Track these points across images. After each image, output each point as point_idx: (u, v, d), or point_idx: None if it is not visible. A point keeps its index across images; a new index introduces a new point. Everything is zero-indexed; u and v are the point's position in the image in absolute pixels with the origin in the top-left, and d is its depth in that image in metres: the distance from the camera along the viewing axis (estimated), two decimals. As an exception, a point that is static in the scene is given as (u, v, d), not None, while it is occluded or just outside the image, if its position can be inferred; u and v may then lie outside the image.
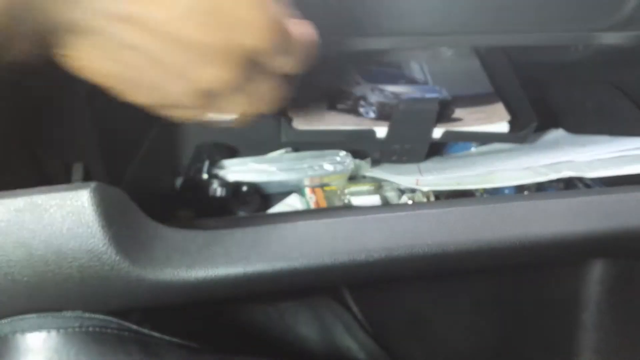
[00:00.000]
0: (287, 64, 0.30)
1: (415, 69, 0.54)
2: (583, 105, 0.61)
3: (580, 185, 0.49)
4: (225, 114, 0.32)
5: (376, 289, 0.71)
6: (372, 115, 0.50)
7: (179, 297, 0.33)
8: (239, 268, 0.32)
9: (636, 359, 0.54)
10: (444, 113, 0.49)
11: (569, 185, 0.50)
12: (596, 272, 0.55)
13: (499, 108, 0.51)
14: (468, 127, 0.49)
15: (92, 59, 0.26)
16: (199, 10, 0.25)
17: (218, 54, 0.26)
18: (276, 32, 0.27)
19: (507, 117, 0.50)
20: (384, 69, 0.54)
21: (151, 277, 0.31)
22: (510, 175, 0.48)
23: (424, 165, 0.54)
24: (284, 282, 0.34)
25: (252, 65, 0.28)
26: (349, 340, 0.68)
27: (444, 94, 0.52)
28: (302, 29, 0.31)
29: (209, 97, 0.28)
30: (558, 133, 0.58)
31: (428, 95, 0.51)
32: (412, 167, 0.53)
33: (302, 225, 0.33)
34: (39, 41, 0.25)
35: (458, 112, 0.51)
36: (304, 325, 0.67)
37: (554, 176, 0.46)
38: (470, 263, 0.38)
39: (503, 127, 0.50)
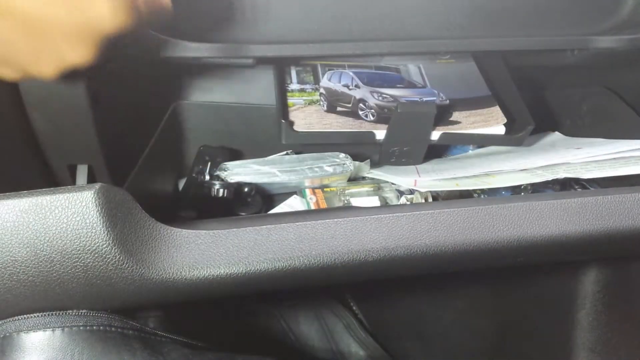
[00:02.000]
0: None
1: (414, 73, 0.55)
2: (579, 108, 0.61)
3: (576, 186, 0.50)
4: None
5: (376, 288, 0.72)
6: (371, 117, 0.50)
7: (182, 296, 0.34)
8: (241, 268, 0.33)
9: (632, 357, 0.54)
10: (441, 116, 0.50)
11: (565, 186, 0.51)
12: (592, 272, 0.55)
13: (496, 111, 0.52)
14: (465, 129, 0.50)
15: None
16: None
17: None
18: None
19: (504, 120, 0.50)
20: (383, 73, 0.54)
21: (154, 277, 0.31)
22: (506, 177, 0.49)
23: (422, 167, 0.54)
24: (285, 281, 0.35)
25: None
26: (349, 339, 0.68)
27: (442, 97, 0.52)
28: None
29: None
30: (554, 136, 0.59)
31: (426, 99, 0.52)
32: (410, 168, 0.54)
33: (302, 226, 0.34)
34: None
35: (456, 115, 0.51)
36: (305, 324, 0.67)
37: (549, 177, 0.47)
38: (467, 263, 0.39)
39: (500, 129, 0.50)
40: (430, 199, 0.51)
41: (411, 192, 0.52)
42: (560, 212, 0.37)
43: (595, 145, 0.51)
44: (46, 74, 0.30)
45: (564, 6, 0.48)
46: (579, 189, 0.50)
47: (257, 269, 0.33)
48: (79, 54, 0.29)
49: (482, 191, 0.52)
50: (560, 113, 0.62)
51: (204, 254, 0.32)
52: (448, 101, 0.52)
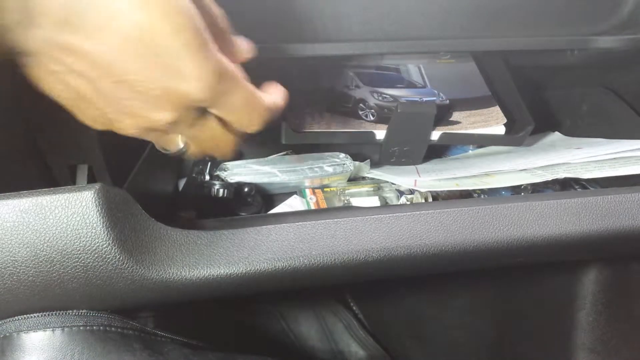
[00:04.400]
0: (235, 115, 0.29)
1: (414, 73, 0.55)
2: (579, 108, 0.61)
3: (576, 186, 0.50)
4: (173, 146, 0.31)
5: (376, 288, 0.72)
6: (371, 117, 0.50)
7: (182, 296, 0.34)
8: (241, 268, 0.33)
9: (632, 358, 0.54)
10: (441, 116, 0.50)
11: (565, 186, 0.51)
12: (591, 272, 0.55)
13: (496, 111, 0.52)
14: (465, 129, 0.50)
15: (46, 79, 0.27)
16: (133, 50, 0.25)
17: (158, 96, 0.26)
18: (217, 85, 0.26)
19: (504, 120, 0.50)
20: (383, 73, 0.54)
21: (154, 277, 0.31)
22: (506, 177, 0.49)
23: (422, 167, 0.54)
24: (285, 281, 0.35)
25: (196, 110, 0.28)
26: (349, 339, 0.68)
27: (442, 97, 0.52)
28: (272, 95, 0.31)
29: (153, 132, 0.29)
30: (554, 136, 0.59)
31: (426, 99, 0.52)
32: (410, 168, 0.54)
33: (302, 226, 0.34)
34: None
35: (455, 115, 0.51)
36: (305, 324, 0.67)
37: (549, 177, 0.47)
38: (467, 263, 0.39)
39: (500, 130, 0.50)
40: (430, 199, 0.51)
41: (411, 192, 0.52)
42: (560, 212, 0.37)
43: (595, 145, 0.51)
44: (127, 130, 0.30)
45: (564, 6, 0.48)
46: (579, 189, 0.50)
47: (257, 269, 0.33)
48: (162, 116, 0.28)
49: (482, 191, 0.52)
50: (560, 113, 0.62)
51: (204, 254, 0.32)
52: (448, 101, 0.52)
